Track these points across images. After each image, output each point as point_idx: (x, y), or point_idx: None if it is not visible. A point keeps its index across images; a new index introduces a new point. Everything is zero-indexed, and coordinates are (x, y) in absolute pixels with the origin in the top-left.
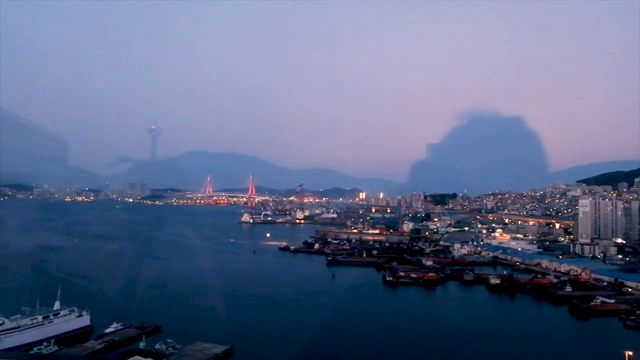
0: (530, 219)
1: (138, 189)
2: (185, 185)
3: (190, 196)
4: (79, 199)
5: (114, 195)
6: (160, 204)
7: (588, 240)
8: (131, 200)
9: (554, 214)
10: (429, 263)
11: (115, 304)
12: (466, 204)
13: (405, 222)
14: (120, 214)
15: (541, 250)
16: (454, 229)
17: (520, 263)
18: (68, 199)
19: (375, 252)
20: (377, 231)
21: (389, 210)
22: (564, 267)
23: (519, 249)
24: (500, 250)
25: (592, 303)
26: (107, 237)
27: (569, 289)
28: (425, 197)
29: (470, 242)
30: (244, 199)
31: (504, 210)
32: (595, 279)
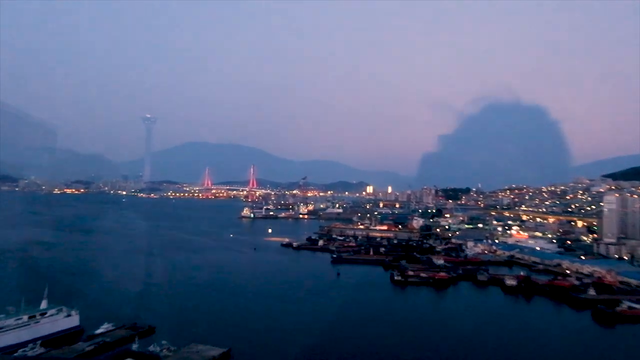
0: (550, 216)
1: (132, 181)
2: (183, 178)
3: (188, 189)
4: (69, 191)
5: (106, 188)
6: (155, 197)
7: (614, 240)
8: (124, 192)
9: (576, 211)
10: (440, 262)
11: (106, 303)
12: (480, 199)
13: (415, 218)
14: (113, 208)
15: (561, 250)
16: (467, 226)
17: (539, 263)
18: (57, 191)
19: (383, 249)
20: (385, 227)
21: (397, 206)
22: (586, 269)
23: (538, 248)
24: (517, 250)
25: (618, 308)
26: (99, 231)
27: (592, 292)
28: (436, 191)
29: (484, 240)
30: (245, 193)
31: (521, 206)
32: (621, 282)
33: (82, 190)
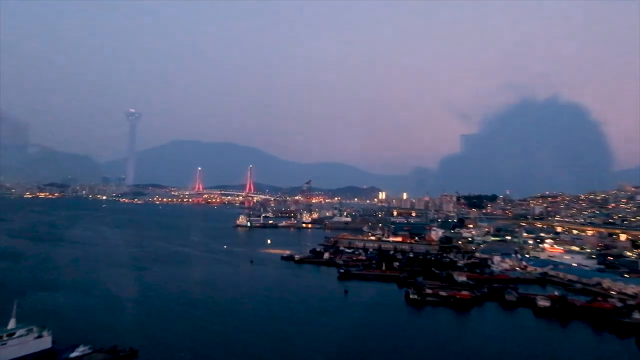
0: (589, 228)
1: (113, 184)
2: (170, 181)
3: (176, 193)
4: (42, 195)
5: (84, 192)
6: (139, 202)
7: None
8: (104, 197)
9: (618, 222)
10: (462, 279)
11: (82, 322)
12: (508, 207)
13: (434, 228)
14: (92, 214)
15: (602, 266)
16: (493, 238)
17: (576, 282)
18: (28, 195)
19: (397, 264)
20: (399, 239)
21: (413, 214)
22: (631, 289)
23: (574, 265)
24: (551, 266)
25: None
26: (76, 242)
27: (637, 315)
28: (458, 198)
29: (513, 255)
30: (240, 198)
31: (555, 216)
32: None
33: (56, 194)
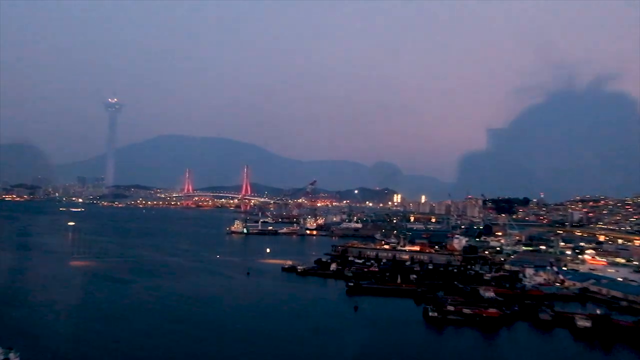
0: (637, 237)
1: (91, 185)
2: (156, 181)
3: (163, 196)
4: (8, 197)
5: (57, 194)
6: (120, 205)
7: None
8: (81, 200)
9: None
10: (490, 294)
11: (54, 342)
12: (543, 213)
13: (457, 236)
14: (66, 219)
15: None
16: (524, 248)
17: (621, 299)
18: None
19: (414, 276)
20: (416, 248)
21: (433, 220)
22: None
23: (619, 279)
24: (592, 280)
25: None
26: (46, 250)
27: None
28: (484, 202)
29: (548, 267)
30: (236, 201)
31: (597, 223)
32: None
33: (25, 196)
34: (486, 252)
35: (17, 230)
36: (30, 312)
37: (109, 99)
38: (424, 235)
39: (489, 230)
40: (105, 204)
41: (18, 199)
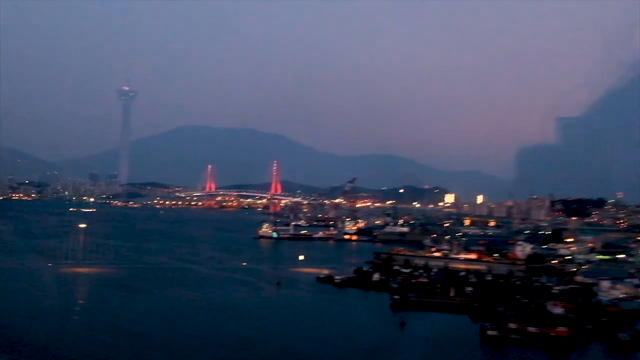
0: None
1: (103, 182)
2: (174, 178)
3: (182, 195)
4: (15, 196)
5: (67, 192)
6: (135, 205)
7: None
8: (92, 199)
9: None
10: (558, 311)
11: (64, 354)
12: (621, 215)
13: (520, 242)
14: (77, 221)
15: None
16: (600, 257)
17: None
18: None
19: (470, 289)
20: (473, 256)
21: (492, 224)
22: None
23: None
24: None
25: None
26: (58, 255)
27: None
28: (552, 203)
29: (627, 280)
30: (264, 201)
31: None
32: None
33: (33, 195)
34: (554, 262)
35: (23, 232)
36: (36, 323)
37: (123, 87)
38: (481, 242)
39: (557, 236)
40: (118, 203)
41: (25, 197)
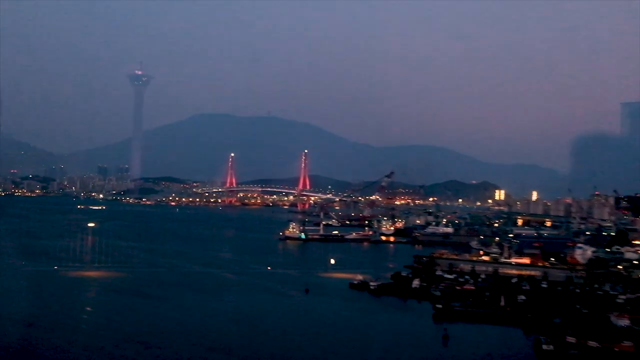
0: None
1: (113, 177)
2: (191, 172)
3: (200, 191)
4: (18, 192)
5: (74, 188)
6: (149, 203)
7: None
8: (101, 196)
9: None
10: (624, 322)
11: None
12: None
13: (580, 245)
14: (84, 219)
15: None
16: None
17: None
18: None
19: (523, 297)
20: (526, 260)
21: (548, 224)
22: None
23: None
24: None
25: None
26: (64, 257)
27: None
28: (617, 200)
29: None
30: (291, 198)
31: None
32: None
33: (37, 191)
34: (619, 267)
35: (26, 232)
36: (38, 332)
37: (135, 70)
38: (535, 244)
39: (623, 238)
40: (130, 200)
41: (29, 194)
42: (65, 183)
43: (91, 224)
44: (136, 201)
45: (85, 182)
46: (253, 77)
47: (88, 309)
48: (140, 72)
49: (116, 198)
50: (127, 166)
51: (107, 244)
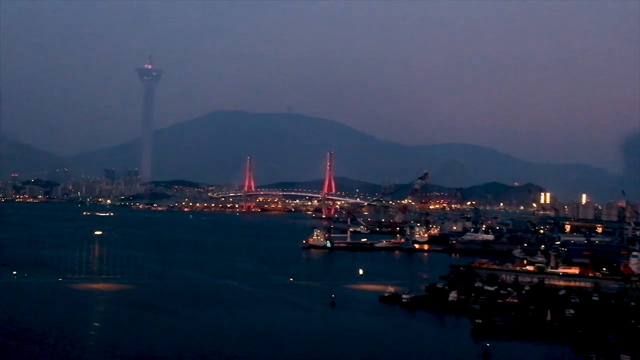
0: None
1: (121, 181)
2: (206, 175)
3: (215, 195)
4: (19, 198)
5: (79, 193)
6: (160, 209)
7: None
8: (109, 201)
9: None
10: None
11: None
12: None
13: (635, 253)
14: (90, 227)
15: None
16: None
17: None
18: None
19: (572, 312)
20: (575, 270)
21: (599, 230)
22: None
23: None
24: None
25: None
26: (69, 268)
27: None
28: None
29: None
30: (315, 202)
31: None
32: None
33: (40, 196)
34: None
35: (29, 241)
36: (45, 350)
37: (144, 65)
38: (585, 252)
39: None
40: (140, 206)
41: (31, 199)
42: (70, 188)
43: (98, 232)
44: (146, 207)
45: (92, 187)
46: (272, 72)
47: (96, 324)
48: (149, 67)
49: (125, 204)
50: (136, 169)
51: (115, 254)
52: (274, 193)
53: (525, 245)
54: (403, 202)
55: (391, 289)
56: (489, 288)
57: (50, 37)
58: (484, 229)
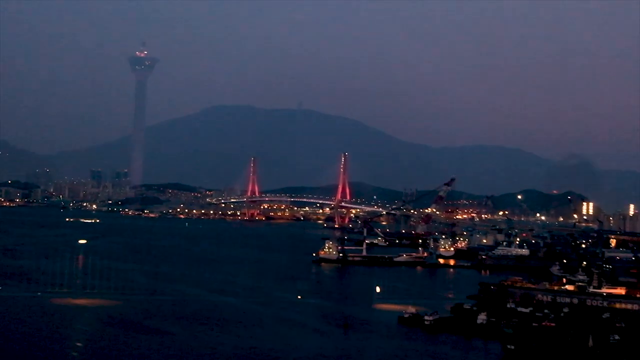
0: None
1: (109, 183)
2: (204, 179)
3: (215, 201)
4: None
5: (62, 196)
6: (152, 215)
7: None
8: (95, 206)
9: None
10: None
11: None
12: None
13: None
14: (74, 236)
15: None
16: None
17: None
18: None
19: (617, 337)
20: (621, 291)
21: None
22: None
23: None
24: None
25: None
26: (50, 281)
27: None
28: None
29: None
30: (327, 210)
31: None
32: None
33: (17, 200)
34: None
35: (3, 250)
36: None
37: (136, 52)
38: (633, 270)
39: None
40: (130, 212)
41: (8, 203)
42: (51, 190)
43: (82, 241)
44: (137, 213)
45: (76, 190)
46: (283, 61)
47: (78, 344)
48: (142, 54)
49: (112, 209)
50: (126, 170)
51: (102, 266)
52: (280, 199)
53: (565, 261)
54: (426, 211)
55: (412, 310)
56: (523, 310)
57: (25, 16)
58: (517, 242)
